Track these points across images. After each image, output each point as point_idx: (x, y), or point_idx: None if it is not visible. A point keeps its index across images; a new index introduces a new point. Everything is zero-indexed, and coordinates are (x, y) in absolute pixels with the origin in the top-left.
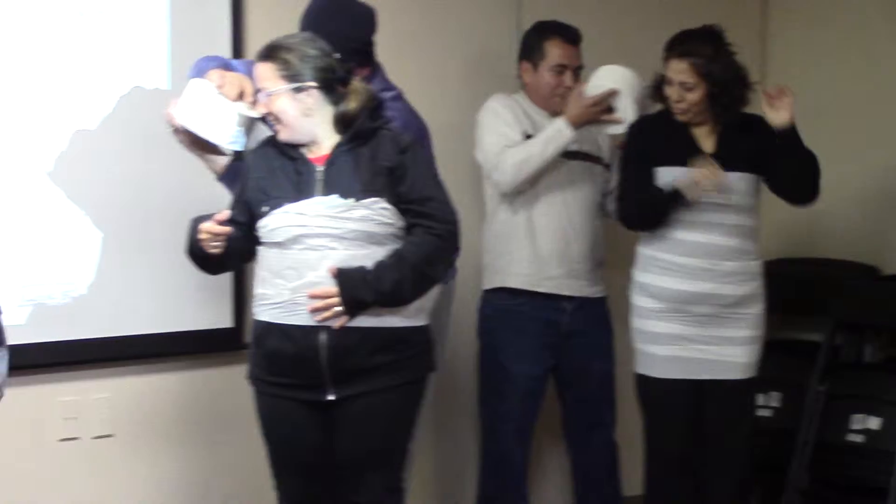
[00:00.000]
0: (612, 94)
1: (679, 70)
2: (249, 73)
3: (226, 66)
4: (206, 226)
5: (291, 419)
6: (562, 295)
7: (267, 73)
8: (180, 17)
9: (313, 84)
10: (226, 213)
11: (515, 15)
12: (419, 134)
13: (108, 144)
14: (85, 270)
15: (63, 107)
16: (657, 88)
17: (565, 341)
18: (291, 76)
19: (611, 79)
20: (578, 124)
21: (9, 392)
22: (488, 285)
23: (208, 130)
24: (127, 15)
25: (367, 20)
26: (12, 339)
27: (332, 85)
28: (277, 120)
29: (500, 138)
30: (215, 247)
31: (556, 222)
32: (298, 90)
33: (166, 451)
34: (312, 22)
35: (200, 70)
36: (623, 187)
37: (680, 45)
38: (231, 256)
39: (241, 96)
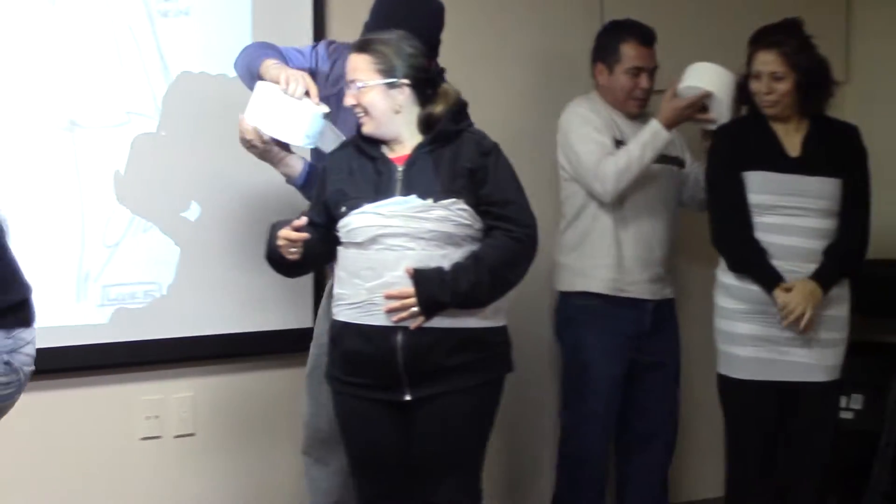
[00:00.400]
0: (707, 96)
1: (768, 61)
2: (300, 60)
3: (280, 56)
4: (284, 232)
5: (369, 419)
6: (643, 298)
7: (361, 64)
8: (262, 16)
9: (406, 81)
10: (303, 220)
11: (599, 14)
12: None
13: (188, 144)
14: (167, 270)
15: (141, 105)
16: (741, 89)
17: (642, 342)
18: (386, 70)
19: (705, 77)
20: (672, 126)
21: (93, 391)
22: (567, 287)
23: (281, 131)
24: (208, 14)
25: (440, 16)
26: (96, 338)
27: (423, 84)
28: (365, 112)
29: (596, 146)
30: (293, 253)
31: (641, 228)
32: (391, 86)
33: (246, 450)
34: (391, 16)
35: (251, 59)
36: (716, 212)
37: (766, 36)
38: (309, 260)
39: (306, 94)
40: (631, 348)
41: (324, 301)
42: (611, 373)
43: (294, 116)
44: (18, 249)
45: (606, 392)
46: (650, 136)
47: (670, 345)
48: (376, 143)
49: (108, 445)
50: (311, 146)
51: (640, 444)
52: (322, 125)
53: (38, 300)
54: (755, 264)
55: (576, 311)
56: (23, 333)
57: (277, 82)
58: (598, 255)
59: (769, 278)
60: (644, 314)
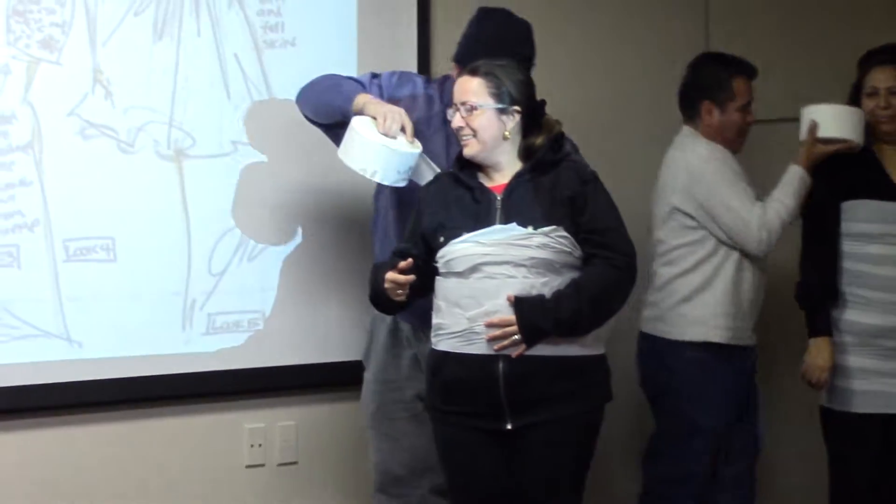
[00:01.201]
0: (850, 145)
1: (884, 77)
2: (375, 92)
3: (362, 88)
4: (391, 276)
5: (469, 448)
6: (752, 345)
7: (475, 87)
8: (367, 45)
9: (518, 108)
10: (409, 261)
11: (703, 37)
12: None
13: (292, 174)
14: (270, 299)
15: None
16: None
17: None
18: (499, 95)
19: (847, 125)
20: (810, 170)
21: (198, 419)
22: (678, 336)
23: (371, 170)
24: (313, 44)
25: (530, 36)
26: (201, 366)
27: (530, 113)
28: (473, 134)
29: (748, 200)
30: (400, 294)
31: (754, 273)
32: (503, 111)
33: (349, 479)
34: (482, 37)
35: (332, 92)
36: (804, 241)
37: (880, 54)
38: (412, 296)
39: (402, 130)
40: (738, 399)
41: (384, 334)
42: (717, 426)
43: (386, 157)
44: (128, 277)
45: (710, 449)
46: (800, 184)
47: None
48: (473, 172)
49: (213, 473)
50: (403, 184)
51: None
52: (415, 163)
53: (145, 328)
54: (815, 305)
55: (688, 362)
56: None
57: (374, 117)
58: (720, 303)
59: (817, 326)
60: (749, 361)
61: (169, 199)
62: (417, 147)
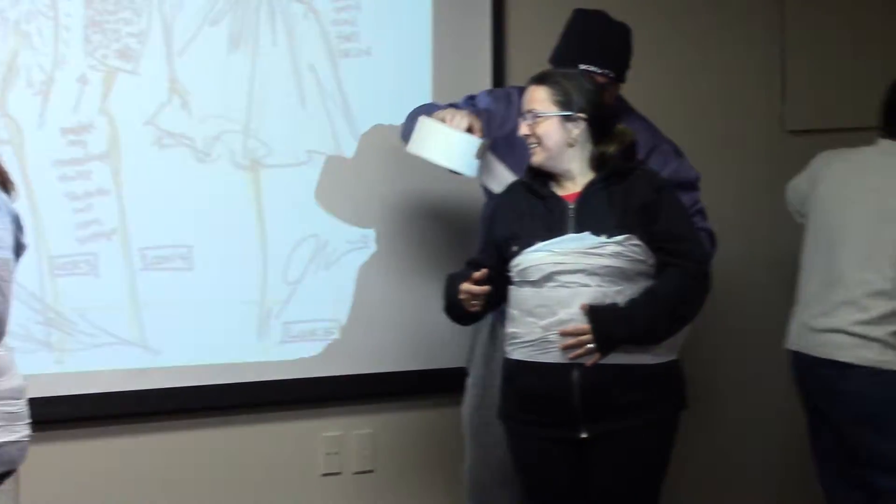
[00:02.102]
0: None
1: None
2: (482, 104)
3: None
4: (466, 287)
5: (544, 457)
6: None
7: (540, 95)
8: (441, 55)
9: (583, 116)
10: (484, 272)
11: (778, 52)
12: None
13: (368, 184)
14: (346, 307)
15: (321, 144)
16: None
17: None
18: (564, 103)
19: None
20: None
21: (274, 427)
22: (891, 366)
23: (438, 156)
24: (389, 54)
25: (629, 40)
26: (278, 375)
27: (598, 122)
28: (539, 142)
29: None
30: (475, 305)
31: None
32: (569, 119)
33: (425, 487)
34: (580, 41)
35: (424, 111)
36: None
37: None
38: (487, 306)
39: (469, 129)
40: None
41: (484, 341)
42: None
43: (452, 142)
44: (204, 285)
45: None
46: None
47: None
48: (545, 181)
49: (290, 481)
50: (473, 175)
51: None
52: (481, 151)
53: (222, 336)
54: None
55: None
56: None
57: (442, 119)
58: None
59: None
60: None
61: (245, 207)
62: (484, 140)
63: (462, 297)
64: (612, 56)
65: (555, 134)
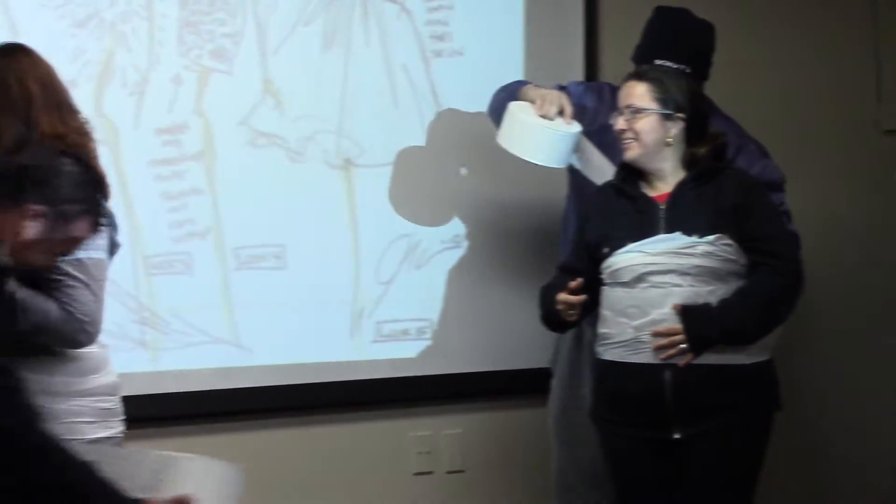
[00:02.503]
0: None
1: None
2: (574, 96)
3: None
4: (563, 297)
5: (636, 458)
6: None
7: (640, 91)
8: (534, 54)
9: (682, 115)
10: (580, 281)
11: (872, 51)
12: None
13: (458, 184)
14: (437, 307)
15: (413, 144)
16: None
17: None
18: (664, 101)
19: None
20: None
21: (366, 426)
22: None
23: (529, 152)
24: (481, 54)
25: (712, 36)
26: (370, 374)
27: (695, 122)
28: (635, 137)
29: None
30: (572, 314)
31: None
32: (667, 117)
33: (516, 487)
34: (662, 37)
35: (508, 93)
36: None
37: None
38: (583, 312)
39: (560, 113)
40: None
41: (569, 342)
42: None
43: (540, 137)
44: (297, 285)
45: None
46: None
47: None
48: (635, 182)
49: (381, 480)
50: (561, 166)
51: None
52: (570, 146)
53: (314, 335)
54: None
55: None
56: None
57: (532, 101)
58: None
59: None
60: None
61: (337, 207)
62: (576, 128)
63: (559, 307)
64: (689, 51)
65: (653, 131)
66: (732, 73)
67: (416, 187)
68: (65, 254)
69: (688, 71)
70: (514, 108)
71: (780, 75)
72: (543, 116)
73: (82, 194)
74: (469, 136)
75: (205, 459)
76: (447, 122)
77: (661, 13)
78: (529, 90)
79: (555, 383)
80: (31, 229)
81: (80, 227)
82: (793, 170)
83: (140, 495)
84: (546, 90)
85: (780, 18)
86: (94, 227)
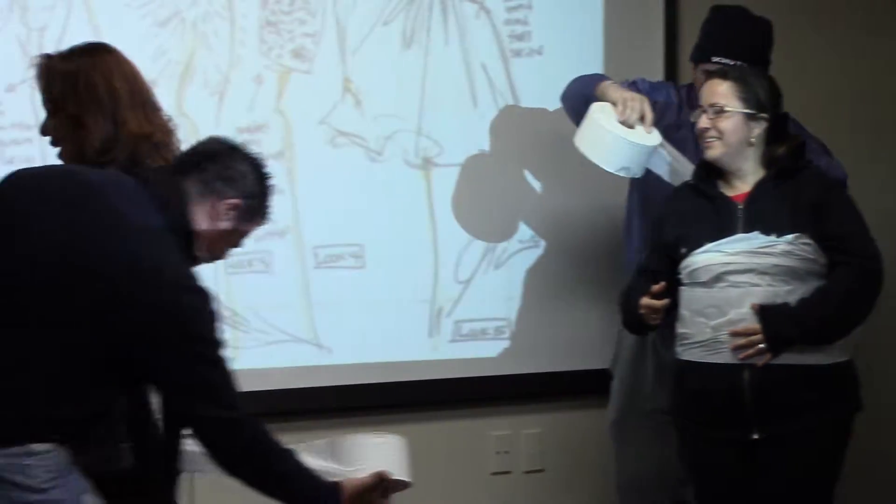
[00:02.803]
0: None
1: None
2: (643, 91)
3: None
4: (646, 302)
5: (715, 458)
6: None
7: (723, 89)
8: (613, 52)
9: (766, 115)
10: (662, 285)
11: None
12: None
13: (535, 183)
14: (515, 307)
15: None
16: None
17: None
18: (749, 101)
19: None
20: None
21: (444, 425)
22: None
23: (602, 159)
24: (560, 53)
25: (770, 34)
26: (448, 374)
27: (777, 124)
28: (718, 136)
29: None
30: (656, 318)
31: None
32: (752, 117)
33: (595, 487)
34: (721, 36)
35: (584, 85)
36: None
37: None
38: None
39: (640, 119)
40: None
41: (631, 345)
42: None
43: (619, 147)
44: (376, 284)
45: None
46: None
47: None
48: (713, 182)
49: (459, 479)
50: (636, 176)
51: None
52: (648, 158)
53: (393, 334)
54: None
55: None
56: None
57: (614, 103)
58: None
59: None
60: None
61: (416, 206)
62: (655, 139)
63: (642, 311)
64: (745, 48)
65: (737, 131)
66: (797, 72)
67: (483, 191)
68: (235, 246)
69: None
70: (596, 110)
71: (842, 74)
72: (624, 122)
73: (262, 189)
74: (538, 135)
75: (373, 435)
76: (518, 120)
77: (718, 12)
78: (610, 89)
79: (615, 385)
80: (227, 221)
81: (256, 221)
82: (865, 167)
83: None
84: (628, 93)
85: (843, 15)
86: (263, 221)
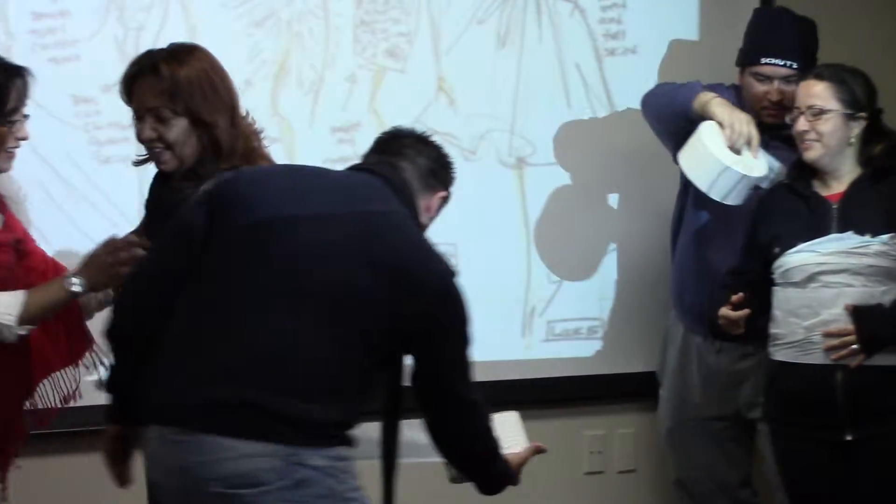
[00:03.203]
0: None
1: None
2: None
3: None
4: (724, 313)
5: (808, 460)
6: None
7: (820, 90)
8: (707, 51)
9: (865, 115)
10: (740, 296)
11: None
12: None
13: (621, 183)
14: (608, 307)
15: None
16: None
17: None
18: (847, 101)
19: None
20: None
21: (537, 424)
22: None
23: (713, 188)
24: (655, 52)
25: (815, 34)
26: (541, 373)
27: (875, 122)
28: (818, 138)
29: None
30: (738, 329)
31: None
32: (851, 117)
33: None
34: (779, 40)
35: (674, 93)
36: None
37: None
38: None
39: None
40: None
41: (676, 352)
42: None
43: (727, 176)
44: (469, 283)
45: None
46: None
47: None
48: (808, 181)
49: (553, 478)
50: (738, 203)
51: None
52: (751, 187)
53: (486, 333)
54: None
55: None
56: None
57: (721, 123)
58: None
59: None
60: None
61: (510, 206)
62: (762, 167)
63: (722, 322)
64: (794, 48)
65: (837, 132)
66: None
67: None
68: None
69: (796, 68)
70: (705, 132)
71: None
72: (730, 146)
73: (453, 178)
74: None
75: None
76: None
77: (763, 13)
78: (715, 106)
79: (664, 394)
80: (436, 211)
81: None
82: None
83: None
84: (735, 113)
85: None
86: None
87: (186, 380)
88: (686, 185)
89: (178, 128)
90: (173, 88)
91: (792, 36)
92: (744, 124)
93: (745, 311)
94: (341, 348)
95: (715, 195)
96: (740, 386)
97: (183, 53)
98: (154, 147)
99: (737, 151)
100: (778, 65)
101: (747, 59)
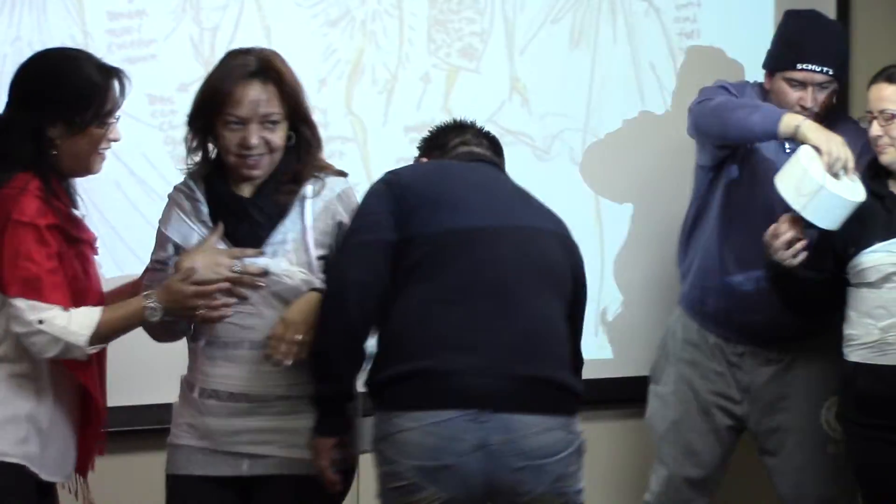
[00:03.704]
0: None
1: None
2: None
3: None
4: (773, 230)
5: (885, 461)
6: None
7: (893, 94)
8: None
9: None
10: (788, 216)
11: None
12: None
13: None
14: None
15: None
16: None
17: None
18: None
19: None
20: None
21: (609, 424)
22: None
23: (813, 214)
24: (731, 40)
25: (844, 38)
26: (611, 373)
27: None
28: (892, 143)
29: None
30: (794, 252)
31: None
32: None
33: (731, 491)
34: (807, 44)
35: (764, 114)
36: None
37: None
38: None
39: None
40: None
41: (683, 348)
42: None
43: (826, 201)
44: None
45: None
46: None
47: None
48: (884, 181)
49: (623, 477)
50: (826, 228)
51: None
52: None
53: None
54: None
55: None
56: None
57: (818, 148)
58: None
59: None
60: None
61: (583, 206)
62: (859, 193)
63: (775, 249)
64: (831, 54)
65: None
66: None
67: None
68: None
69: (831, 74)
70: (804, 156)
71: None
72: (829, 171)
73: None
74: None
75: None
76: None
77: (792, 16)
78: (809, 131)
79: (660, 390)
80: None
81: None
82: None
83: None
84: (832, 137)
85: None
86: None
87: (477, 366)
88: (707, 193)
89: (281, 132)
90: (289, 94)
91: (827, 41)
92: (842, 148)
93: (791, 234)
94: (564, 322)
95: (821, 222)
96: (757, 394)
97: (278, 58)
98: (254, 153)
99: (835, 175)
100: (815, 71)
101: (780, 63)
